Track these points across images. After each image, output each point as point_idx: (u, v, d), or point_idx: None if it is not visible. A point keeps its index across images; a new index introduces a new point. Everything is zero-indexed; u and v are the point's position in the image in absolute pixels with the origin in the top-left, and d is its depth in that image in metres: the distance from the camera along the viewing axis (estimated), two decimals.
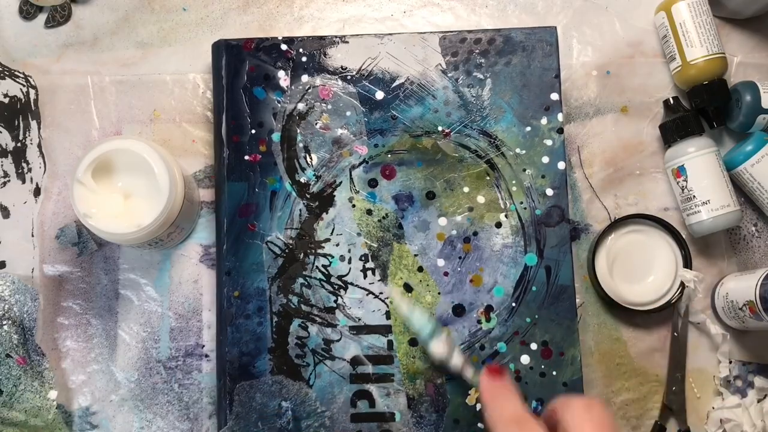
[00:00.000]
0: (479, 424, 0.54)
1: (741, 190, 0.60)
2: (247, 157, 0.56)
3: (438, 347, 0.51)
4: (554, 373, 0.54)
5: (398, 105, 0.57)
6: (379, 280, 0.55)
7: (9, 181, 0.60)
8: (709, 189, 0.57)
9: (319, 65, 0.57)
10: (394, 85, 0.57)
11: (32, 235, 0.60)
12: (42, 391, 0.57)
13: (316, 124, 0.56)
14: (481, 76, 0.57)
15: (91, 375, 0.58)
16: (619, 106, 0.62)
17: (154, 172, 0.52)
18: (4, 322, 0.58)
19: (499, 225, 0.56)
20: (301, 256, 0.55)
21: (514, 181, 0.56)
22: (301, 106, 0.56)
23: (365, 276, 0.55)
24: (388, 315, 0.55)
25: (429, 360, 0.53)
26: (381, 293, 0.55)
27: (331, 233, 0.55)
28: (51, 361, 0.58)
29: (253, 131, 0.56)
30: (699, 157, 0.58)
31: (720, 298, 0.58)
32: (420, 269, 0.55)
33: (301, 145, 0.56)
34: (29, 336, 0.58)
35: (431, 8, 0.63)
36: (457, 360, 0.51)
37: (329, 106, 0.56)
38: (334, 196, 0.56)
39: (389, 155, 0.56)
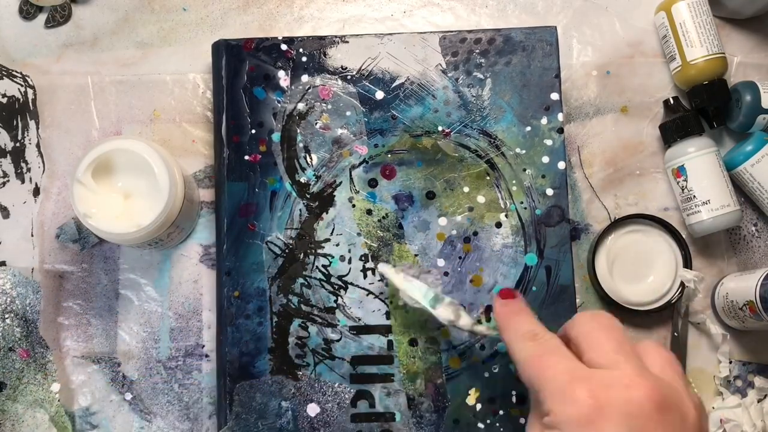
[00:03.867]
0: (479, 424, 0.54)
1: (741, 190, 0.60)
2: (247, 157, 0.56)
3: (444, 312, 0.49)
4: None
5: (398, 105, 0.57)
6: (379, 281, 0.55)
7: (8, 181, 0.60)
8: (709, 189, 0.57)
9: (319, 65, 0.57)
10: (394, 85, 0.57)
11: (32, 235, 0.60)
12: (45, 383, 0.57)
13: (316, 124, 0.56)
14: (481, 76, 0.57)
15: (91, 375, 0.58)
16: (619, 106, 0.62)
17: (154, 172, 0.52)
18: (7, 316, 0.58)
19: (499, 225, 0.56)
20: (301, 256, 0.55)
21: (514, 181, 0.56)
22: (301, 106, 0.56)
23: (365, 276, 0.55)
24: (388, 315, 0.55)
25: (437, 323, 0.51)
26: (381, 293, 0.55)
27: (331, 233, 0.55)
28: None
29: (253, 131, 0.56)
30: (699, 157, 0.58)
31: (720, 298, 0.58)
32: None
33: (301, 145, 0.56)
34: (32, 329, 0.58)
35: (431, 8, 0.63)
36: (465, 321, 0.49)
37: (329, 106, 0.56)
38: (334, 196, 0.56)
39: (389, 155, 0.56)
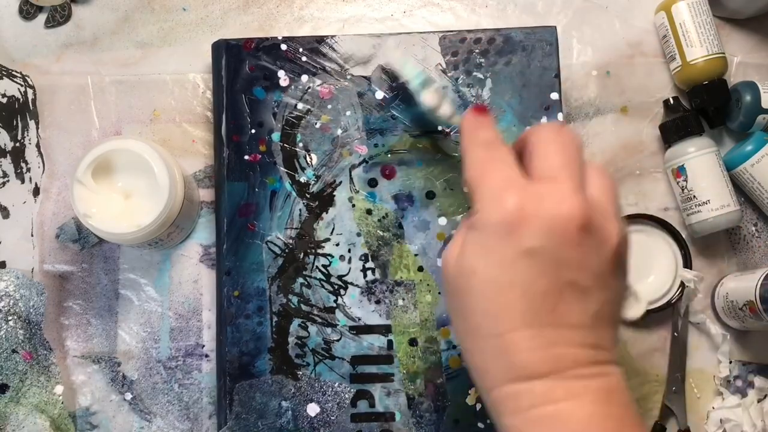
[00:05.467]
0: (479, 424, 0.54)
1: (741, 190, 0.60)
2: (247, 157, 0.56)
3: (429, 97, 0.51)
4: None
5: (398, 105, 0.57)
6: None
7: (8, 181, 0.60)
8: (709, 189, 0.57)
9: (319, 65, 0.57)
10: (394, 85, 0.57)
11: (32, 235, 0.60)
12: (48, 386, 0.57)
13: (316, 124, 0.56)
14: (481, 76, 0.57)
15: (91, 375, 0.58)
16: (619, 106, 0.62)
17: (154, 172, 0.52)
18: (10, 318, 0.58)
19: None
20: (301, 255, 0.55)
21: None
22: (301, 105, 0.56)
23: (365, 276, 0.55)
24: (388, 315, 0.55)
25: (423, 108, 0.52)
26: (381, 293, 0.55)
27: (331, 233, 0.55)
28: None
29: (253, 131, 0.56)
30: (699, 157, 0.58)
31: (720, 298, 0.58)
32: (420, 269, 0.55)
33: (301, 144, 0.56)
34: (36, 330, 0.58)
35: (431, 8, 0.63)
36: (446, 109, 0.50)
37: (329, 106, 0.56)
38: (334, 195, 0.56)
39: (389, 155, 0.56)
